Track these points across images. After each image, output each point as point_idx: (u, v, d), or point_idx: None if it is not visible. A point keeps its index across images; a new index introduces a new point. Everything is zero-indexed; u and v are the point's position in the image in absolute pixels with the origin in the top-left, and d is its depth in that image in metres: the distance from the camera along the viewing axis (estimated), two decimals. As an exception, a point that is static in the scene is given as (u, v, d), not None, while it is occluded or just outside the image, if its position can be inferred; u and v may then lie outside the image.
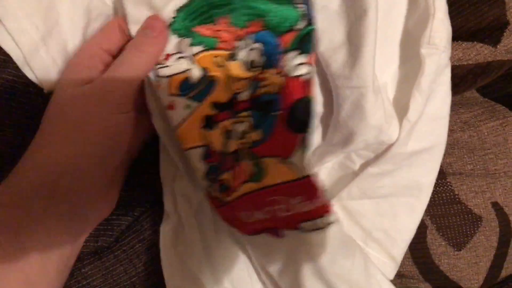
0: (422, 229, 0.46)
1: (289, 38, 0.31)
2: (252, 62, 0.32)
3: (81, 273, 0.36)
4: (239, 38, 0.32)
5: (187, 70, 0.32)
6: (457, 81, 0.41)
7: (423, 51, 0.33)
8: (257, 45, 0.32)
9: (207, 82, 0.32)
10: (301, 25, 0.31)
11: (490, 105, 0.44)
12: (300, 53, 0.31)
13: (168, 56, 0.32)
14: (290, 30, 0.31)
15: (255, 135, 0.31)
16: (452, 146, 0.44)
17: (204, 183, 0.33)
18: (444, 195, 0.45)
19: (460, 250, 0.47)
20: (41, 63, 0.33)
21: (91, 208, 0.33)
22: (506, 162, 0.43)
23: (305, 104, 0.31)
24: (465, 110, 0.44)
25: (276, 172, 0.31)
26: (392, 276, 0.42)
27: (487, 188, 0.44)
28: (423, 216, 0.41)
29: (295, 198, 0.31)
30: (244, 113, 0.32)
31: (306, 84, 0.31)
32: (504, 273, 0.50)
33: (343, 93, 0.34)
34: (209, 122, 0.32)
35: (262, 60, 0.32)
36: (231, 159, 0.32)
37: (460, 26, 0.41)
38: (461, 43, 0.40)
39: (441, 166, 0.39)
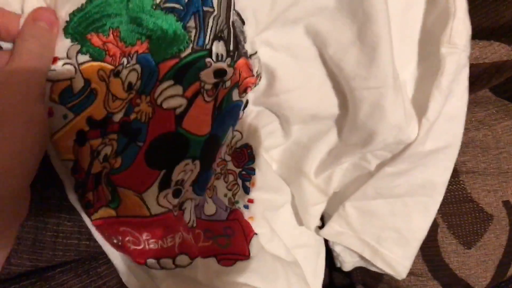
0: (433, 227, 0.46)
1: (168, 66, 0.29)
2: (130, 83, 0.30)
3: (96, 272, 0.35)
4: (125, 55, 0.30)
5: (71, 78, 0.30)
6: (472, 80, 0.41)
7: (444, 50, 0.33)
8: (137, 66, 0.30)
9: (87, 94, 0.30)
10: (185, 52, 0.29)
11: (504, 104, 0.44)
12: (175, 84, 0.29)
13: (55, 59, 0.30)
14: (172, 57, 0.29)
15: (115, 162, 0.30)
16: (466, 145, 0.44)
17: (72, 196, 0.33)
18: (456, 193, 0.45)
19: (470, 248, 0.48)
20: None
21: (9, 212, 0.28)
22: (519, 161, 0.44)
23: (169, 140, 0.29)
24: (479, 109, 0.44)
25: (130, 204, 0.30)
26: (405, 275, 0.42)
27: (499, 187, 0.45)
28: (435, 215, 0.41)
29: (144, 234, 0.31)
30: (112, 136, 0.30)
31: (176, 118, 0.29)
32: (511, 272, 0.51)
33: (360, 95, 0.34)
34: (80, 138, 0.30)
35: (138, 84, 0.30)
36: (93, 180, 0.31)
37: (477, 24, 0.41)
38: (478, 41, 0.40)
39: (454, 164, 0.39)
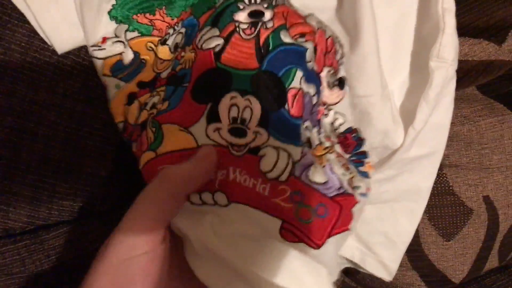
0: (415, 217, 0.48)
1: (206, 16, 0.33)
2: (176, 44, 0.34)
3: (87, 239, 0.36)
4: (171, 26, 0.35)
5: (121, 53, 0.35)
6: (461, 76, 0.43)
7: (432, 64, 0.35)
8: (182, 29, 0.34)
9: (137, 65, 0.35)
10: (219, 2, 0.33)
11: (489, 103, 0.46)
12: (212, 28, 0.31)
13: (104, 39, 0.34)
14: (209, 9, 0.33)
15: (162, 105, 0.31)
16: (451, 139, 0.45)
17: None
18: (439, 185, 0.47)
19: (449, 240, 0.49)
20: (51, 22, 0.33)
21: None
22: (500, 157, 0.45)
23: (211, 74, 0.30)
24: (465, 105, 0.45)
25: (172, 140, 0.30)
26: (392, 278, 0.43)
27: (480, 182, 0.46)
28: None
29: None
30: (160, 88, 0.33)
31: (215, 55, 0.30)
32: (487, 266, 0.53)
33: (351, 101, 0.36)
34: (130, 99, 0.34)
35: (183, 41, 0.34)
36: (139, 129, 0.33)
37: (469, 22, 0.42)
38: (468, 39, 0.42)
39: (438, 157, 0.41)
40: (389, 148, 0.37)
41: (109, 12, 0.34)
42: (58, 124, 0.34)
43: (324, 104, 0.35)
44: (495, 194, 0.47)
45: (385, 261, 0.42)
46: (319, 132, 0.33)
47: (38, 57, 0.33)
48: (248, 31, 0.31)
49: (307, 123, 0.31)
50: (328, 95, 0.34)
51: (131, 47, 0.35)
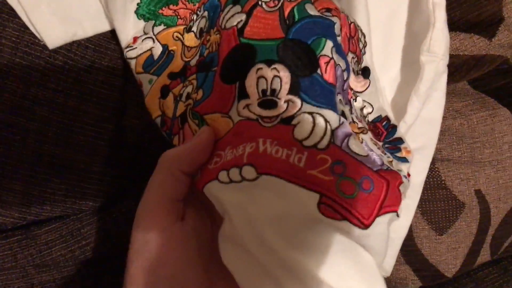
0: (408, 212, 0.48)
1: None
2: (201, 30, 0.34)
3: (80, 233, 0.36)
4: (194, 12, 0.35)
5: (151, 48, 0.35)
6: (452, 70, 0.43)
7: (423, 58, 0.36)
8: (205, 13, 0.34)
9: (166, 56, 0.35)
10: None
11: (481, 97, 0.46)
12: (233, 6, 0.30)
13: (135, 39, 0.35)
14: None
15: (197, 95, 0.31)
16: (443, 133, 0.45)
17: None
18: (431, 180, 0.47)
19: (442, 234, 0.49)
20: (41, 18, 0.33)
21: None
22: (491, 151, 0.45)
23: (235, 52, 0.29)
24: (457, 99, 0.46)
25: (220, 127, 0.29)
26: (389, 273, 0.44)
27: (472, 175, 0.47)
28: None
29: (227, 148, 0.28)
30: (191, 77, 0.33)
31: (238, 32, 0.29)
32: (480, 260, 0.53)
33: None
34: (164, 92, 0.34)
35: (207, 25, 0.34)
36: (178, 122, 0.33)
37: (459, 17, 0.43)
38: (459, 33, 0.42)
39: (430, 151, 0.41)
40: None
41: (135, 11, 0.35)
42: (50, 120, 0.34)
43: (351, 89, 0.33)
44: (486, 187, 0.47)
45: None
46: (351, 111, 0.31)
47: (29, 51, 0.33)
48: (271, 4, 0.29)
49: (340, 97, 0.29)
50: (355, 82, 0.33)
51: (159, 41, 0.35)
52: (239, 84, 0.28)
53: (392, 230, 0.41)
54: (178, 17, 0.36)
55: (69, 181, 0.34)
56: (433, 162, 0.46)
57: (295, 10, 0.29)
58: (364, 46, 0.35)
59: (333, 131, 0.26)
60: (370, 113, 0.34)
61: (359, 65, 0.34)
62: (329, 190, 0.25)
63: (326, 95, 0.27)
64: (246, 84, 0.27)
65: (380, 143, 0.33)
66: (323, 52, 0.28)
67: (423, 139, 0.38)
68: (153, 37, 0.35)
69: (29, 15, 0.32)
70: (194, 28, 0.35)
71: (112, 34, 0.37)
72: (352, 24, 0.33)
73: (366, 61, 0.35)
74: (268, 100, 0.27)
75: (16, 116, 0.33)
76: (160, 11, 0.35)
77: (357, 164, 0.26)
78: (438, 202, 0.47)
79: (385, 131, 0.34)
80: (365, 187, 0.26)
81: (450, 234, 0.49)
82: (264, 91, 0.27)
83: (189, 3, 0.36)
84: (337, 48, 0.29)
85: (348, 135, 0.27)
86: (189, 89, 0.33)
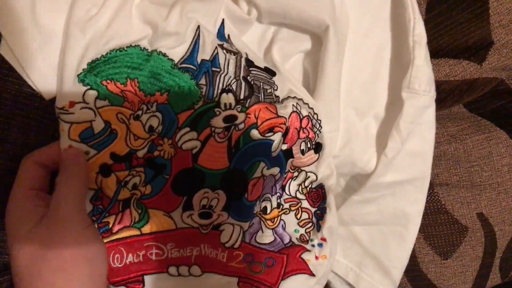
0: (410, 237, 0.48)
1: (186, 115, 0.35)
2: (151, 126, 0.35)
3: None
4: (144, 103, 0.35)
5: (90, 120, 0.34)
6: (443, 96, 0.43)
7: (403, 94, 0.37)
8: (158, 113, 0.35)
9: (108, 134, 0.34)
10: (198, 104, 0.35)
11: (476, 120, 0.46)
12: (190, 130, 0.35)
13: (72, 103, 0.34)
14: (188, 108, 0.35)
15: (145, 189, 0.35)
16: (439, 158, 0.45)
17: None
18: (431, 205, 0.47)
19: (447, 259, 0.49)
20: (38, 71, 0.34)
21: None
22: (490, 174, 0.45)
23: (188, 173, 0.36)
24: (452, 124, 0.46)
25: (157, 222, 0.36)
26: None
27: (473, 199, 0.46)
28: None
29: (168, 244, 0.36)
30: (139, 169, 0.35)
31: (193, 156, 0.35)
32: (490, 284, 0.52)
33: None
34: (104, 170, 0.35)
35: (160, 128, 0.35)
36: (119, 205, 0.35)
37: (448, 44, 0.43)
38: (448, 60, 0.43)
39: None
40: (359, 173, 0.40)
41: (78, 75, 0.34)
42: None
43: (294, 167, 0.40)
44: (489, 210, 0.47)
45: (377, 284, 0.42)
46: (279, 198, 0.40)
47: (28, 103, 0.35)
48: (221, 135, 0.36)
49: (267, 195, 0.39)
50: (301, 160, 0.40)
51: (101, 116, 0.34)
52: (186, 199, 0.36)
53: (385, 258, 0.42)
54: (125, 99, 0.34)
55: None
56: (431, 187, 0.46)
57: (241, 138, 0.36)
58: (320, 126, 0.39)
59: (244, 233, 0.38)
60: (315, 181, 0.41)
61: (312, 143, 0.40)
62: (243, 273, 0.38)
63: (245, 212, 0.38)
64: (194, 201, 0.36)
65: (314, 209, 0.41)
66: (255, 175, 0.37)
67: (411, 171, 0.39)
68: (95, 109, 0.34)
69: (26, 69, 0.34)
70: (143, 120, 0.35)
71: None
72: (306, 117, 0.39)
73: (322, 135, 0.39)
74: (206, 212, 0.36)
75: (17, 163, 0.34)
76: (104, 83, 0.34)
77: (261, 251, 0.38)
78: (440, 227, 0.47)
79: (322, 197, 0.41)
80: (269, 264, 0.38)
81: (455, 258, 0.49)
82: (204, 206, 0.36)
83: (139, 90, 0.35)
84: (272, 161, 0.38)
85: (256, 232, 0.38)
86: (136, 180, 0.35)
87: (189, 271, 0.37)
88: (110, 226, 0.36)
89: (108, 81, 0.34)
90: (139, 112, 0.35)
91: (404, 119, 0.36)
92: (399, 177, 0.38)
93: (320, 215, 0.41)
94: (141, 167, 0.35)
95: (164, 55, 0.35)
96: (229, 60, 0.37)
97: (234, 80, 0.37)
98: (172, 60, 0.35)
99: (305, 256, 0.39)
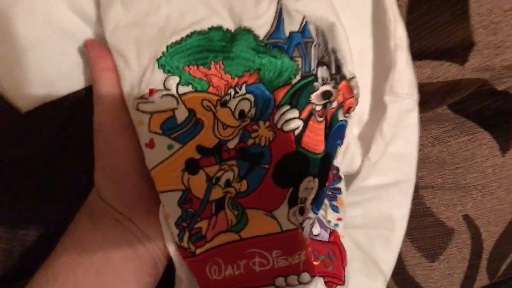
0: (396, 240, 0.47)
1: (282, 92, 0.31)
2: (241, 111, 0.31)
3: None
4: (231, 86, 0.31)
5: (173, 109, 0.30)
6: (426, 98, 0.43)
7: (386, 98, 0.36)
8: (249, 95, 0.31)
9: (193, 124, 0.30)
10: (295, 79, 0.31)
11: (460, 122, 0.46)
12: (291, 108, 0.30)
13: (152, 91, 0.30)
14: (284, 84, 0.31)
15: (241, 186, 0.31)
16: (423, 161, 0.45)
17: (174, 230, 0.32)
18: (417, 207, 0.46)
19: (434, 261, 0.49)
20: (13, 84, 0.33)
21: None
22: (475, 176, 0.45)
23: (293, 159, 0.30)
24: (436, 126, 0.45)
25: (259, 224, 0.31)
26: None
27: (458, 201, 0.46)
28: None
29: (274, 252, 0.31)
30: (231, 162, 0.31)
31: (296, 138, 0.30)
32: (477, 285, 0.52)
33: None
34: (191, 166, 0.30)
35: (253, 111, 0.31)
36: (211, 207, 0.31)
37: (429, 45, 0.43)
38: (430, 61, 0.42)
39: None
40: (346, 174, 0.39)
41: (158, 60, 0.30)
42: (28, 178, 0.35)
43: None
44: (475, 212, 0.46)
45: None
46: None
47: (2, 116, 0.34)
48: (321, 113, 0.32)
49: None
50: None
51: (184, 104, 0.30)
52: (292, 191, 0.30)
53: (371, 261, 0.42)
54: (210, 84, 0.31)
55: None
56: (416, 190, 0.46)
57: (333, 118, 0.33)
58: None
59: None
60: None
61: None
62: (323, 271, 0.32)
63: (320, 203, 0.32)
64: (300, 193, 0.31)
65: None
66: (334, 162, 0.34)
67: (396, 173, 0.39)
68: (177, 97, 0.30)
69: (1, 81, 0.33)
70: (231, 105, 0.31)
71: (86, 91, 0.36)
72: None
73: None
74: (302, 207, 0.31)
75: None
76: (186, 68, 0.30)
77: (320, 244, 0.34)
78: (426, 229, 0.47)
79: (332, 179, 0.37)
80: (331, 256, 0.34)
81: (442, 261, 0.49)
82: (301, 199, 0.31)
83: (225, 73, 0.31)
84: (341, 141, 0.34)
85: (311, 225, 0.33)
86: (229, 175, 0.31)
87: (298, 279, 0.31)
88: (204, 232, 0.31)
89: (191, 66, 0.31)
90: (227, 98, 0.31)
91: (387, 123, 0.35)
92: (384, 180, 0.37)
93: (332, 196, 0.37)
94: (234, 159, 0.31)
95: (249, 30, 0.31)
96: (318, 29, 0.33)
97: (326, 52, 0.33)
98: (258, 35, 0.31)
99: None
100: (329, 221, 0.36)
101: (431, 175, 0.45)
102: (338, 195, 0.38)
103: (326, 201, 0.36)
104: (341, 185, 0.38)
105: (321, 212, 0.35)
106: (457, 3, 0.41)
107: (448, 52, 0.42)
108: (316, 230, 0.34)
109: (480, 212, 0.46)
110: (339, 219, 0.37)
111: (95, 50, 0.32)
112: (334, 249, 0.35)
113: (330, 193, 0.37)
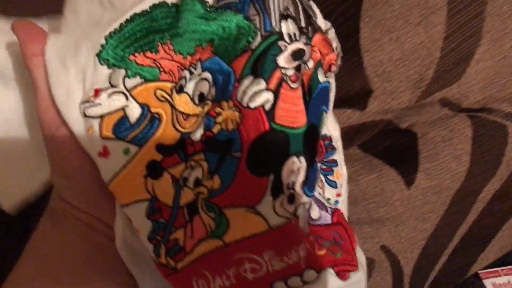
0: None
1: (242, 62, 0.26)
2: (201, 95, 0.27)
3: None
4: (184, 68, 0.27)
5: (123, 107, 0.27)
6: (334, 143, 0.47)
7: None
8: (206, 74, 0.27)
9: (149, 121, 0.27)
10: (255, 42, 0.26)
11: (369, 160, 0.50)
12: (255, 78, 0.26)
13: (97, 91, 0.26)
14: (243, 52, 0.26)
15: (212, 183, 0.26)
16: (337, 200, 0.49)
17: (148, 246, 0.28)
18: (338, 243, 0.50)
19: (360, 291, 0.52)
20: None
21: None
22: (386, 209, 0.49)
23: (267, 140, 0.26)
24: (347, 166, 0.49)
25: (242, 225, 0.26)
26: None
27: (375, 233, 0.50)
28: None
29: (265, 254, 0.26)
30: (197, 156, 0.27)
31: (268, 114, 0.26)
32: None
33: None
34: (154, 170, 0.26)
35: (213, 91, 0.27)
36: (184, 213, 0.27)
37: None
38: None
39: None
40: None
41: (98, 54, 0.27)
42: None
43: None
44: (390, 242, 0.50)
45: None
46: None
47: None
48: (294, 78, 0.27)
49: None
50: None
51: (135, 99, 0.27)
52: (274, 179, 0.26)
53: None
54: (161, 69, 0.27)
55: None
56: (335, 227, 0.49)
57: (312, 81, 0.29)
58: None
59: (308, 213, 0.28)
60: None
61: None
62: (331, 260, 0.28)
63: (313, 183, 0.28)
64: (283, 178, 0.26)
65: (319, 164, 0.32)
66: (322, 132, 0.30)
67: None
68: (126, 92, 0.27)
69: None
70: (189, 90, 0.27)
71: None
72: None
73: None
74: (291, 194, 0.26)
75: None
76: (132, 57, 0.27)
77: (323, 229, 0.29)
78: (349, 262, 0.50)
79: (325, 150, 0.34)
80: (338, 240, 0.29)
81: (368, 290, 0.52)
82: (288, 184, 0.26)
83: (175, 54, 0.27)
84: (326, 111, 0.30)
85: (308, 209, 0.28)
86: (197, 172, 0.27)
87: (302, 279, 0.26)
88: (182, 243, 0.27)
89: (136, 54, 0.27)
90: (182, 82, 0.27)
91: None
92: None
93: (327, 169, 0.34)
94: (200, 152, 0.27)
95: None
96: None
97: (290, 1, 0.28)
98: (205, 1, 0.27)
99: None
100: (328, 199, 0.32)
101: (347, 213, 0.49)
102: (333, 168, 0.34)
103: (321, 177, 0.33)
104: (336, 156, 0.35)
105: (317, 191, 0.31)
106: (353, 56, 0.46)
107: (349, 100, 0.47)
108: (316, 213, 0.29)
109: (396, 241, 0.50)
110: (339, 195, 0.33)
111: (25, 31, 0.28)
112: (340, 230, 0.30)
113: (324, 167, 0.34)
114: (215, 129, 0.27)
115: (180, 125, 0.27)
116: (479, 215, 0.52)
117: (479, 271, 0.59)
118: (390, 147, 0.50)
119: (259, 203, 0.26)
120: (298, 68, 0.27)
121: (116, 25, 0.27)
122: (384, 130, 0.52)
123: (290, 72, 0.26)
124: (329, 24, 0.31)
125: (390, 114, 0.50)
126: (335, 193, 0.33)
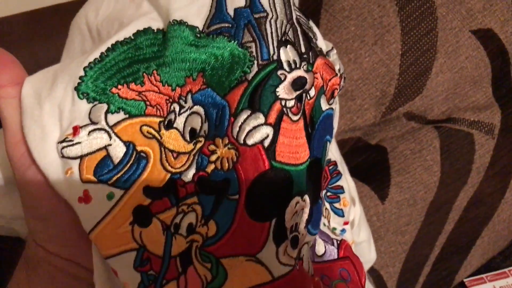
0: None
1: (237, 94, 0.24)
2: (192, 130, 0.25)
3: None
4: (174, 100, 0.25)
5: (106, 146, 0.24)
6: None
7: None
8: (197, 107, 0.24)
9: (135, 160, 0.24)
10: (252, 72, 0.24)
11: (342, 178, 0.51)
12: (253, 112, 0.24)
13: (76, 129, 0.24)
14: (238, 83, 0.24)
15: (207, 229, 0.24)
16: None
17: None
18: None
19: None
20: None
21: None
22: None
23: (268, 180, 0.23)
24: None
25: (242, 275, 0.23)
26: None
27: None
28: None
29: None
30: (190, 200, 0.24)
31: (267, 151, 0.23)
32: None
33: None
34: (141, 216, 0.24)
35: (205, 127, 0.24)
36: (176, 264, 0.24)
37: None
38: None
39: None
40: None
41: (76, 88, 0.24)
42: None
43: None
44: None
45: None
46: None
47: None
48: (295, 110, 0.24)
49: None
50: None
51: (119, 136, 0.24)
52: (276, 222, 0.23)
53: None
54: (147, 103, 0.24)
55: None
56: (314, 247, 0.50)
57: (314, 111, 0.26)
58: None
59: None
60: None
61: None
62: None
63: (318, 220, 0.26)
64: (287, 222, 0.23)
65: (323, 191, 0.31)
66: (330, 156, 0.29)
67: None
68: (108, 129, 0.24)
69: None
70: (178, 125, 0.25)
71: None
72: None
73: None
74: (295, 236, 0.24)
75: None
76: (115, 90, 0.24)
77: (329, 266, 0.27)
78: None
79: (330, 175, 0.32)
80: (345, 277, 0.28)
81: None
82: (292, 228, 0.24)
83: (163, 85, 0.24)
84: (330, 136, 0.28)
85: (313, 246, 0.27)
86: (191, 218, 0.24)
87: None
88: None
89: (119, 86, 0.24)
90: (171, 116, 0.25)
91: None
92: None
93: (333, 196, 0.32)
94: (193, 195, 0.24)
95: (182, 22, 0.24)
96: None
97: (289, 25, 0.25)
98: (195, 26, 0.24)
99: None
100: (334, 229, 0.30)
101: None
102: (340, 195, 0.32)
103: (326, 205, 0.31)
104: (342, 182, 0.32)
105: (322, 221, 0.29)
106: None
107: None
108: (321, 248, 0.28)
109: (377, 257, 0.51)
110: (346, 223, 0.31)
111: None
112: (347, 266, 0.29)
113: (330, 193, 0.32)
114: (209, 168, 0.24)
115: (169, 165, 0.24)
116: (456, 223, 0.53)
117: (465, 279, 0.59)
118: (361, 164, 0.51)
119: (261, 251, 0.23)
120: (299, 98, 0.25)
121: (96, 54, 0.24)
122: (354, 147, 0.53)
123: (291, 104, 0.24)
124: (330, 45, 0.30)
125: (358, 132, 0.51)
126: (342, 221, 0.31)
